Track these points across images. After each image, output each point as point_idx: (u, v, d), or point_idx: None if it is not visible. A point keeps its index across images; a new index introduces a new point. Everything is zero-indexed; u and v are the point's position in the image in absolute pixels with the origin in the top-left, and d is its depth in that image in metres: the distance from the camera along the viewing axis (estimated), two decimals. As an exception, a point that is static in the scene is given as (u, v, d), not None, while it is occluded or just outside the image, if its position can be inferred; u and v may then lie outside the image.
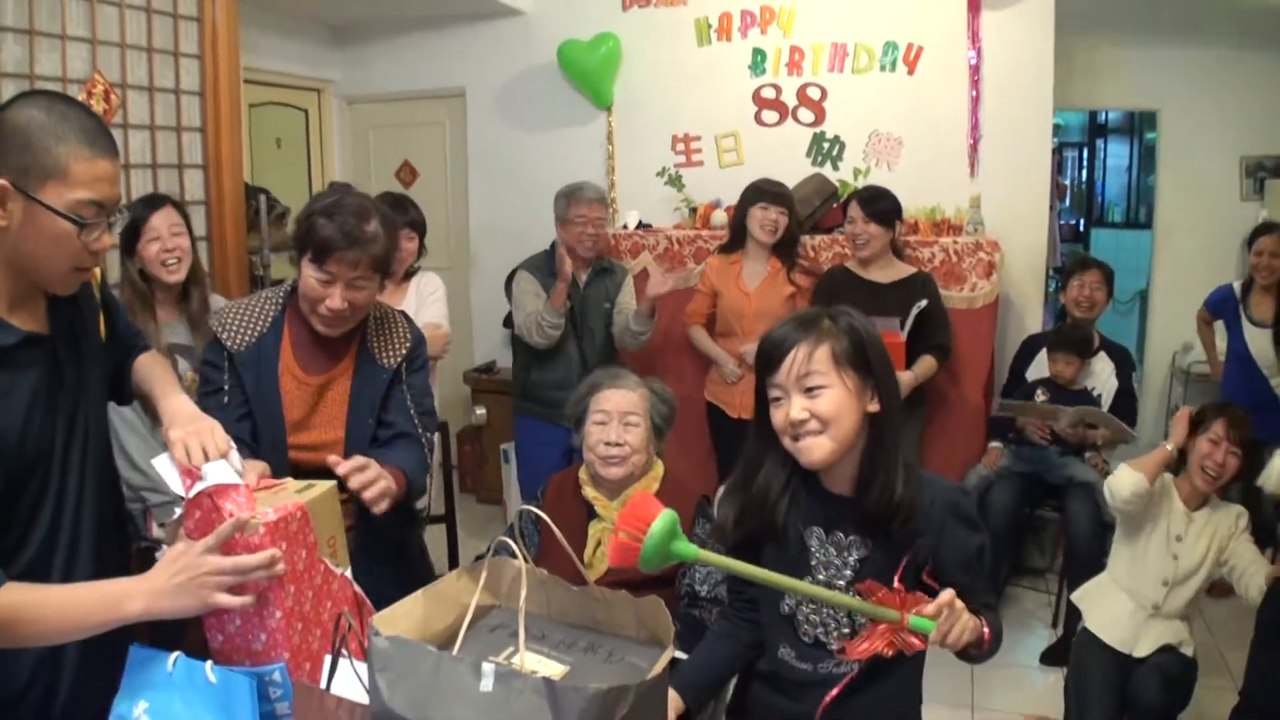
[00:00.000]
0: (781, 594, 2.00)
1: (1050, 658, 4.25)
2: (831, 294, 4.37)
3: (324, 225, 2.30)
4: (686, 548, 1.64)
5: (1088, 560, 4.10)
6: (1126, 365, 4.71)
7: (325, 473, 2.13)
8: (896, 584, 1.72)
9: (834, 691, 1.94)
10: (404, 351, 2.54)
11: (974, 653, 1.82)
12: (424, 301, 4.06)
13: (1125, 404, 4.63)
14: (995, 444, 4.78)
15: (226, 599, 1.64)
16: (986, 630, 1.79)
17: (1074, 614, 4.00)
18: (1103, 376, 4.68)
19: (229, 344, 2.44)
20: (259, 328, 2.47)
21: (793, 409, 1.84)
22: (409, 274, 4.16)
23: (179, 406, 1.96)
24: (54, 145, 1.61)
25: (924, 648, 1.70)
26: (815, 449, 1.84)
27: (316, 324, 2.41)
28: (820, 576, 1.94)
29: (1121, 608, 3.41)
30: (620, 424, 2.71)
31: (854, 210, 4.56)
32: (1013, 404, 4.64)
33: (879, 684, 1.95)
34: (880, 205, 4.51)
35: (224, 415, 2.40)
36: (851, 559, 1.92)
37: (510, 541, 1.50)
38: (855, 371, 1.85)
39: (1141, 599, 3.38)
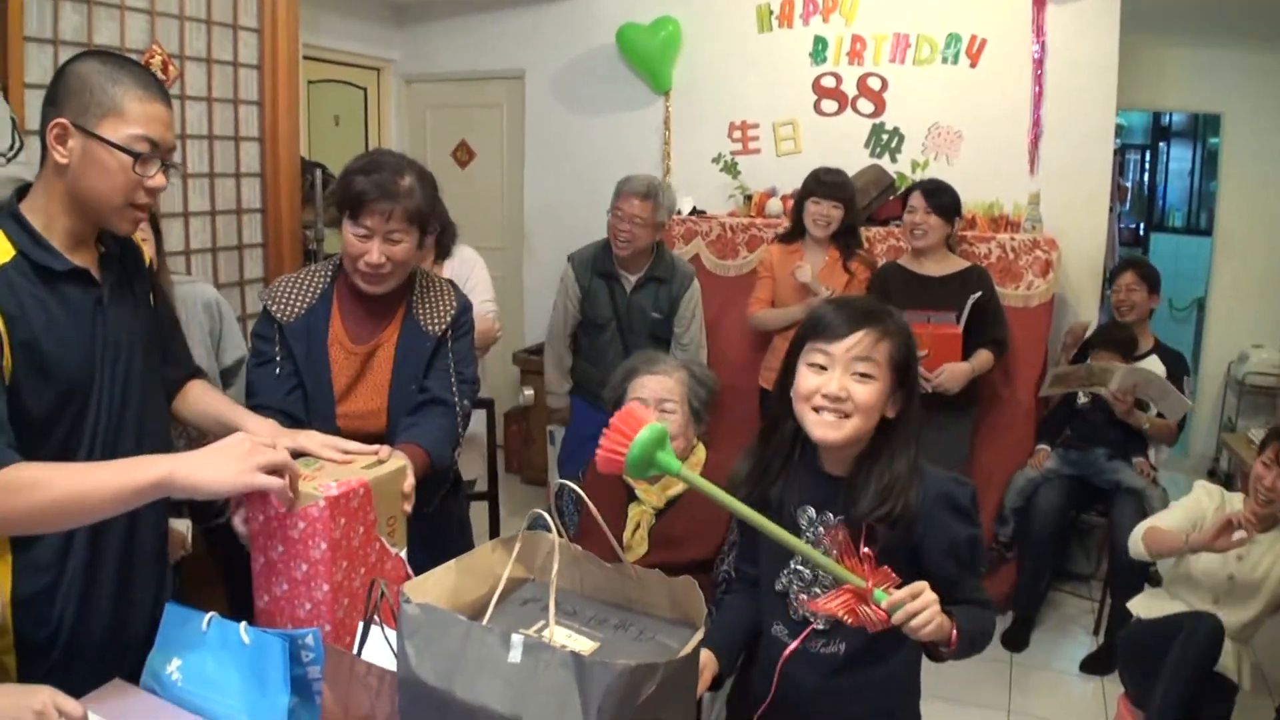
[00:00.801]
0: (777, 572, 2.03)
1: (1091, 666, 4.17)
2: (884, 289, 4.36)
3: (359, 181, 2.35)
4: (671, 461, 1.63)
5: (1131, 568, 4.05)
6: (1179, 369, 4.61)
7: (370, 441, 2.15)
8: (864, 550, 1.70)
9: (793, 645, 1.98)
10: (448, 319, 2.55)
11: (943, 651, 1.81)
12: (466, 284, 3.92)
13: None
14: (1043, 446, 4.73)
15: (264, 479, 1.63)
16: (954, 632, 1.77)
17: (1117, 622, 3.94)
18: None
19: (279, 316, 2.46)
20: (308, 299, 2.50)
21: (833, 382, 1.85)
22: (441, 254, 4.02)
23: (269, 427, 2.06)
24: (110, 86, 1.72)
25: (885, 627, 1.67)
26: (834, 429, 1.86)
27: (360, 282, 2.43)
28: None
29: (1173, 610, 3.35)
30: (656, 411, 2.69)
31: (916, 200, 4.48)
32: (1059, 372, 4.60)
33: (867, 668, 1.96)
34: (943, 198, 4.45)
35: (276, 385, 2.43)
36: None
37: (545, 514, 1.49)
38: (894, 375, 1.88)
39: (1192, 608, 3.32)
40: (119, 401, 1.86)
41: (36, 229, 1.74)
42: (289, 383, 2.45)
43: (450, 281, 2.70)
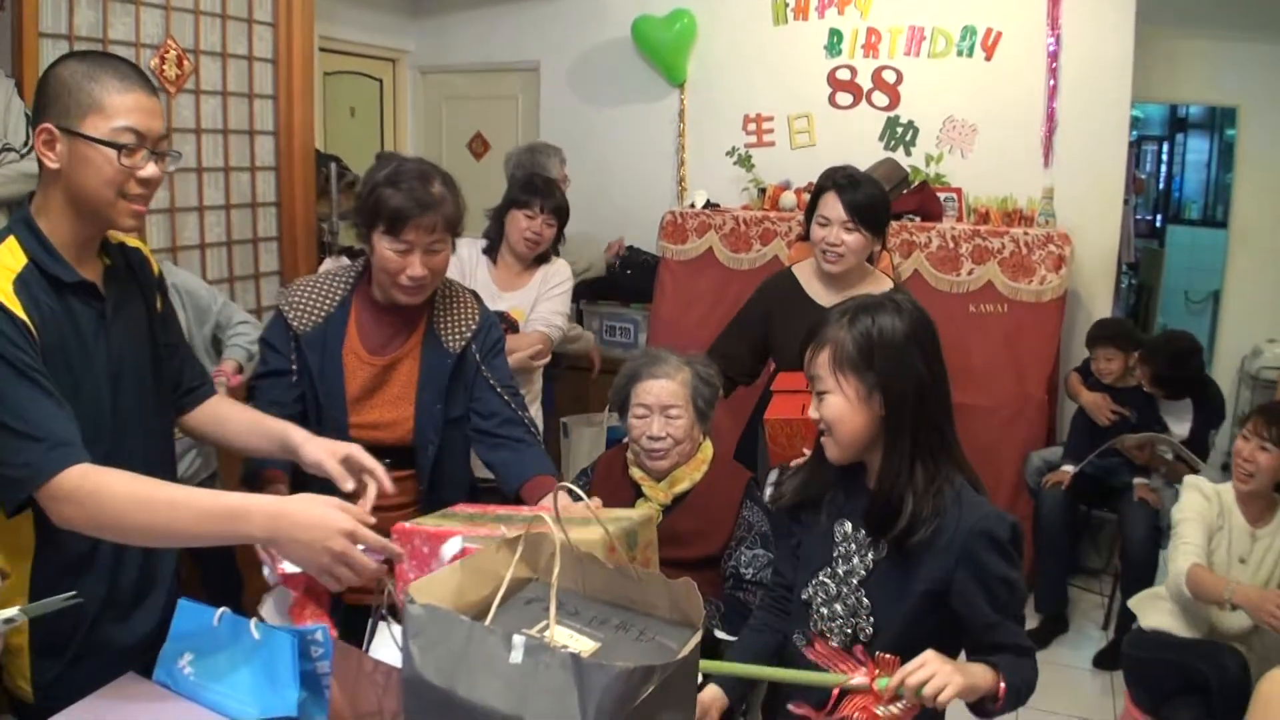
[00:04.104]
0: (806, 581, 2.00)
1: (1103, 660, 4.18)
2: (764, 308, 3.39)
3: (392, 195, 2.28)
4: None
5: (1142, 565, 4.05)
6: (1209, 422, 4.53)
7: (386, 452, 2.17)
8: (858, 651, 1.69)
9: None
10: (468, 334, 2.49)
11: (989, 706, 1.76)
12: (546, 293, 3.84)
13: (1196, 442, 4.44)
14: (1067, 466, 4.56)
15: (334, 584, 1.67)
16: (1002, 684, 1.73)
17: (1127, 618, 3.93)
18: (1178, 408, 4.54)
19: (295, 324, 2.42)
20: (326, 308, 2.45)
21: (812, 408, 1.91)
22: (540, 259, 3.90)
23: (320, 445, 2.03)
24: (89, 85, 1.71)
25: (913, 715, 1.63)
26: (828, 448, 1.92)
27: (398, 295, 2.38)
28: (840, 569, 1.94)
29: (1175, 622, 3.26)
30: (661, 417, 2.68)
31: (829, 204, 3.11)
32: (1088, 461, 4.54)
33: None
34: (859, 195, 3.09)
35: (284, 395, 2.41)
36: (869, 558, 1.91)
37: (546, 517, 1.51)
38: (857, 376, 1.85)
39: (1195, 618, 3.23)
40: (121, 419, 1.85)
41: (46, 238, 1.74)
42: (296, 390, 2.42)
43: (473, 292, 2.65)
